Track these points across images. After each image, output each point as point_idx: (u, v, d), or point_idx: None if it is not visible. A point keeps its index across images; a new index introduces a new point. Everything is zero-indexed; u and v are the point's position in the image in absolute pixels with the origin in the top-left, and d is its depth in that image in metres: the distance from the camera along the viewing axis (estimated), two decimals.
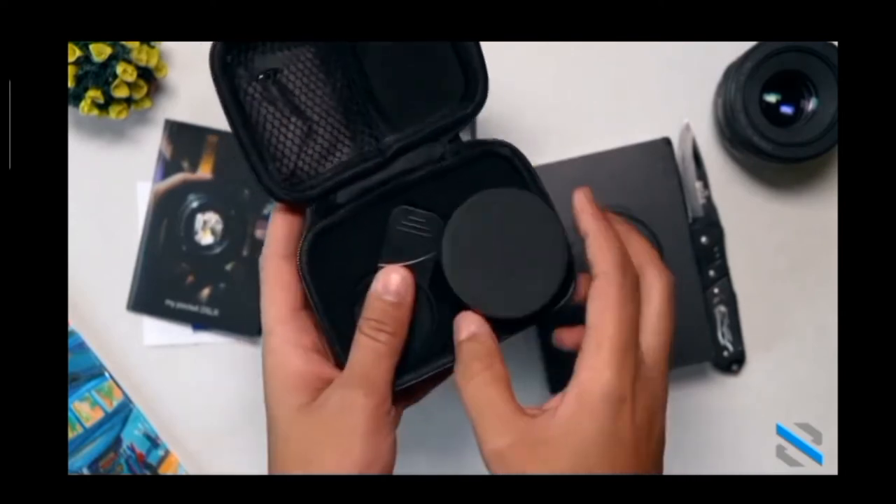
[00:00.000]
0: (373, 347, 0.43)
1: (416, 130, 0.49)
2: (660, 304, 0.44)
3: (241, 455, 0.64)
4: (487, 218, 0.46)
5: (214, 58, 0.48)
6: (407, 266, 0.46)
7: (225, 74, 0.48)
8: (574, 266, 0.46)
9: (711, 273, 0.64)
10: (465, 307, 0.45)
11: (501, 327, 0.45)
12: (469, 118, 0.50)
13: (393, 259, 0.48)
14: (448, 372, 0.46)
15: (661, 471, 0.44)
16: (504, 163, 0.49)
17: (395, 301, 0.44)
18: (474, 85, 0.50)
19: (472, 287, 0.45)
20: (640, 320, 0.43)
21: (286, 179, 0.49)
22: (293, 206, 0.47)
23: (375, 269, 0.47)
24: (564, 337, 0.48)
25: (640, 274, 0.44)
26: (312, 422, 0.43)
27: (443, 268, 0.46)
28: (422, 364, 0.47)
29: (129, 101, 0.61)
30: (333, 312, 0.47)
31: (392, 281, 0.44)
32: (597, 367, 0.41)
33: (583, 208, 0.45)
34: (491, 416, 0.41)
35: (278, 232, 0.46)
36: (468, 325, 0.44)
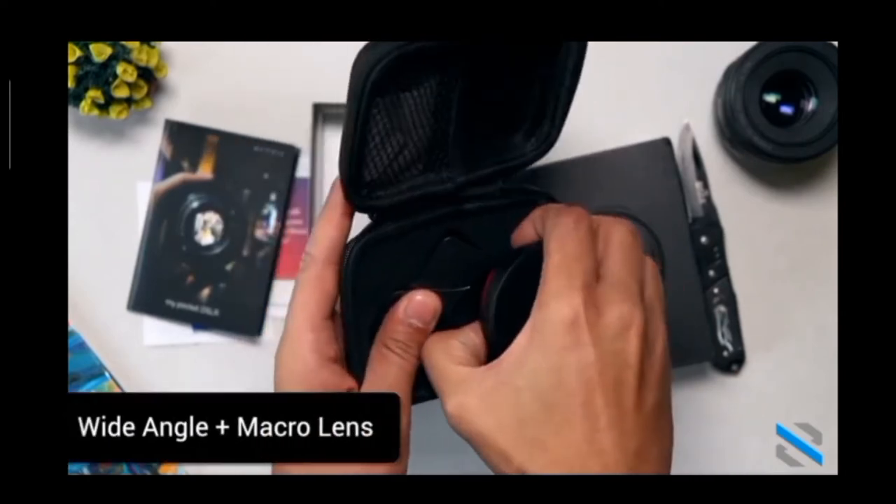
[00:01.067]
0: (399, 364, 0.43)
1: (485, 166, 0.50)
2: (620, 238, 0.42)
3: None
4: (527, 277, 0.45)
5: (374, 66, 0.45)
6: (437, 292, 0.46)
7: (376, 83, 0.45)
8: None
9: (711, 273, 0.64)
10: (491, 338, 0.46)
11: None
12: (531, 162, 0.50)
13: (429, 283, 0.48)
14: None
15: (664, 409, 0.41)
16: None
17: (420, 326, 0.44)
18: (547, 129, 0.50)
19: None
20: (595, 254, 0.41)
21: (366, 186, 0.48)
22: (351, 211, 0.46)
23: (407, 288, 0.47)
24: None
25: (597, 225, 0.43)
26: None
27: (489, 321, 0.46)
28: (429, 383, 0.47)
29: (129, 101, 0.61)
30: (361, 323, 0.47)
31: (422, 306, 0.45)
32: (542, 303, 0.39)
33: (522, 227, 0.46)
34: (443, 380, 0.42)
35: (331, 234, 0.45)
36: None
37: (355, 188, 0.47)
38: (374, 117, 0.47)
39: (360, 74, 0.45)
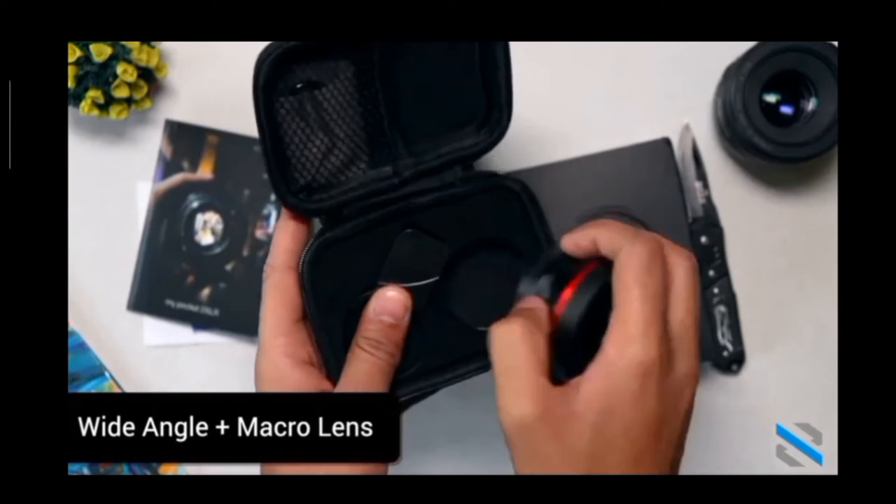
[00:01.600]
0: (370, 361, 0.44)
1: (434, 158, 0.50)
2: (686, 279, 0.42)
3: None
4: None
5: (259, 68, 0.47)
6: (406, 288, 0.47)
7: (267, 85, 0.47)
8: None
9: (711, 273, 0.64)
10: (462, 329, 0.48)
11: None
12: (486, 150, 0.50)
13: (393, 279, 0.48)
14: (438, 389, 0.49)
15: (681, 453, 0.43)
16: (512, 197, 0.50)
17: (392, 322, 0.45)
18: (497, 116, 0.50)
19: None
20: (667, 295, 0.41)
21: (302, 190, 0.49)
22: (302, 217, 0.47)
23: (375, 287, 0.48)
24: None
25: (665, 254, 0.43)
26: None
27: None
28: (414, 381, 0.48)
29: (129, 101, 0.61)
30: (329, 325, 0.47)
31: (390, 302, 0.46)
32: (621, 342, 0.39)
33: (572, 233, 0.44)
34: (520, 380, 0.40)
35: (284, 242, 0.47)
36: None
37: (287, 191, 0.48)
38: (285, 119, 0.48)
39: (252, 79, 0.47)
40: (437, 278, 0.49)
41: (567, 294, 0.42)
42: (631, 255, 0.40)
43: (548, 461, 0.39)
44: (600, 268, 0.42)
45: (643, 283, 0.40)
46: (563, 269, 0.43)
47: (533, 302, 0.43)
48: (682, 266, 0.42)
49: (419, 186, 0.50)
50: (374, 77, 0.49)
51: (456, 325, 0.50)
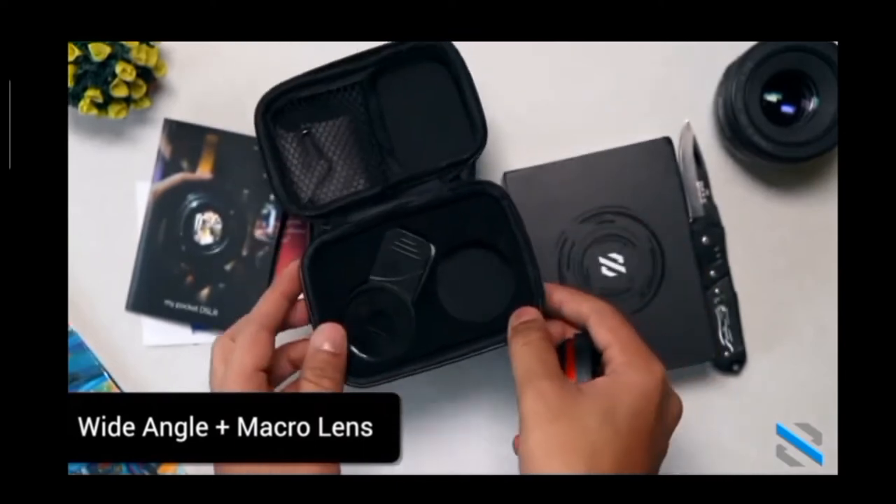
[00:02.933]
0: (317, 391, 0.49)
1: (419, 167, 0.57)
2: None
3: None
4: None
5: (258, 113, 0.56)
6: (392, 282, 0.55)
7: (266, 127, 0.56)
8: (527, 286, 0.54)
9: (712, 273, 0.64)
10: (449, 321, 0.55)
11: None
12: (465, 163, 0.57)
13: (383, 274, 0.55)
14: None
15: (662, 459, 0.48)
16: (493, 202, 0.56)
17: (333, 351, 0.51)
18: (476, 135, 0.57)
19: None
20: None
21: (304, 206, 0.57)
22: (287, 292, 0.54)
23: (368, 282, 0.55)
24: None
25: None
26: None
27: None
28: (402, 365, 0.54)
29: (128, 100, 0.61)
30: (327, 317, 0.53)
31: (329, 336, 0.52)
32: (627, 362, 0.48)
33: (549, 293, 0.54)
34: (527, 368, 0.48)
35: (268, 308, 0.54)
36: (527, 313, 0.52)
37: (293, 204, 0.56)
38: (287, 150, 0.57)
39: (254, 115, 0.56)
40: (423, 272, 0.55)
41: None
42: (604, 309, 0.51)
43: (558, 430, 0.44)
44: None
45: (624, 324, 0.50)
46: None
47: (528, 313, 0.52)
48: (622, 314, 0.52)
49: (409, 195, 0.57)
50: (365, 123, 0.58)
51: (443, 317, 0.55)
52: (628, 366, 0.47)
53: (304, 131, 0.58)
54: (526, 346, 0.49)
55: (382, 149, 0.58)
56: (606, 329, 0.50)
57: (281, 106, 0.57)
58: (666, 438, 0.48)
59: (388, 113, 0.58)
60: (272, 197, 0.64)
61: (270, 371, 0.52)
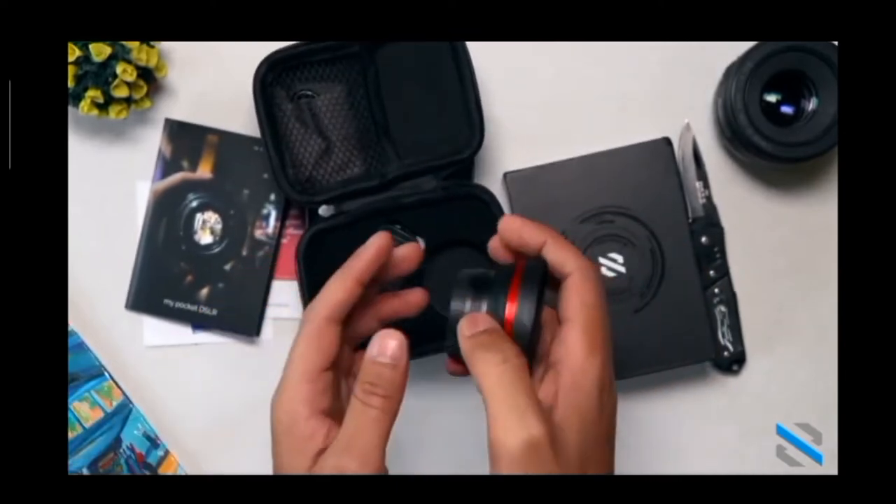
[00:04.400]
0: (365, 413, 0.44)
1: (417, 164, 0.59)
2: (604, 290, 0.46)
3: (241, 455, 0.64)
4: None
5: (258, 75, 0.58)
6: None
7: (264, 90, 0.58)
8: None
9: (711, 273, 0.64)
10: (434, 315, 0.52)
11: None
12: (463, 162, 0.59)
13: None
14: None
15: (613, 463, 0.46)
16: (483, 205, 0.59)
17: (390, 364, 0.44)
18: (474, 136, 0.58)
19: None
20: None
21: (301, 184, 0.59)
22: (365, 280, 0.48)
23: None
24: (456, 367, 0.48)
25: None
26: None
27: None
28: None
29: (128, 100, 0.61)
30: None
31: (388, 346, 0.44)
32: (583, 357, 0.43)
33: (521, 225, 0.47)
34: (518, 406, 0.41)
35: (336, 297, 0.47)
36: (475, 324, 0.44)
37: (290, 187, 0.58)
38: (282, 121, 0.59)
39: (253, 82, 0.57)
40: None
41: (513, 304, 0.44)
42: (589, 275, 0.45)
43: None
44: (529, 271, 0.45)
45: (597, 303, 0.44)
46: (492, 278, 0.45)
47: (484, 321, 0.44)
48: (600, 277, 0.47)
49: (403, 190, 0.59)
50: (363, 96, 0.59)
51: (429, 312, 0.54)
52: (581, 360, 0.43)
53: (301, 95, 0.59)
54: (503, 368, 0.42)
55: (378, 127, 0.59)
56: (579, 299, 0.44)
57: (279, 72, 0.58)
58: (614, 429, 0.44)
59: (386, 86, 0.59)
60: (272, 197, 0.64)
61: (338, 366, 0.48)
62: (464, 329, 0.44)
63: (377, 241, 0.48)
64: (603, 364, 0.43)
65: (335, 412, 0.46)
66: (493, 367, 0.42)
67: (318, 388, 0.45)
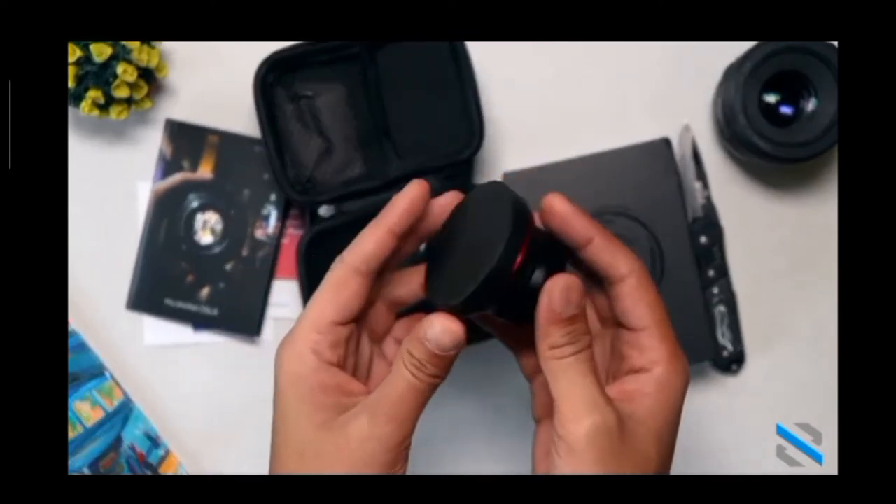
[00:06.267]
0: (409, 382, 0.41)
1: (418, 164, 0.59)
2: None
3: (242, 455, 0.64)
4: (462, 220, 0.45)
5: (258, 75, 0.58)
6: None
7: (265, 90, 0.58)
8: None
9: (711, 273, 0.64)
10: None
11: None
12: (463, 163, 0.59)
13: None
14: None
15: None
16: None
17: (437, 353, 0.41)
18: (474, 136, 0.58)
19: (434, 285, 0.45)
20: None
21: (301, 185, 0.59)
22: (400, 231, 0.44)
23: None
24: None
25: None
26: (332, 442, 0.41)
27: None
28: None
29: (129, 101, 0.61)
30: None
31: (442, 337, 0.41)
32: (668, 359, 0.42)
33: (569, 213, 0.43)
34: (594, 391, 0.40)
35: (368, 247, 0.43)
36: (571, 292, 0.41)
37: (290, 187, 0.58)
38: (287, 124, 0.59)
39: (253, 82, 0.58)
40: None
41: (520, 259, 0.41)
42: (644, 275, 0.43)
43: (622, 465, 0.40)
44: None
45: (661, 301, 0.43)
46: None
47: (577, 296, 0.41)
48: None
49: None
50: (363, 96, 0.60)
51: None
52: (669, 368, 0.42)
53: (302, 96, 0.59)
54: (578, 359, 0.40)
55: (379, 127, 0.60)
56: (646, 305, 0.42)
57: (280, 72, 0.59)
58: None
59: (386, 87, 0.60)
60: (273, 197, 0.64)
61: (361, 320, 0.44)
62: (556, 301, 0.40)
63: (412, 190, 0.44)
64: (684, 369, 0.43)
65: (348, 367, 0.44)
66: (568, 363, 0.40)
67: (329, 339, 0.42)
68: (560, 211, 0.44)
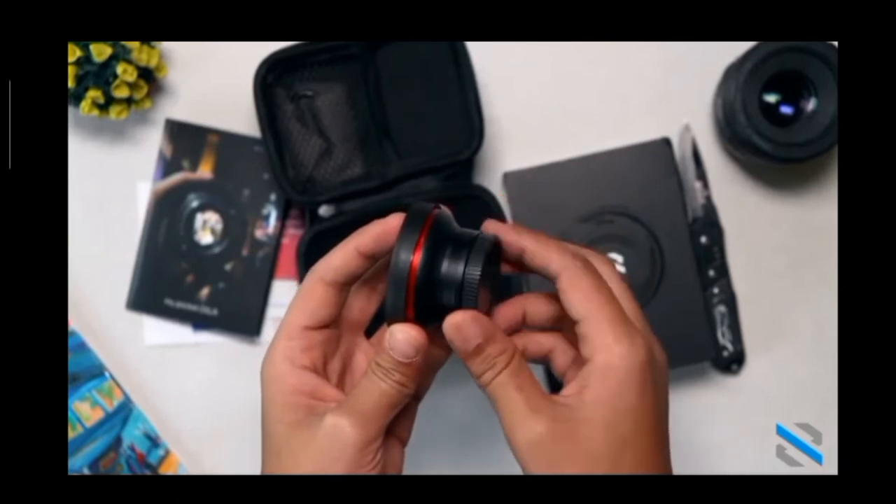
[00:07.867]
0: (378, 386, 0.43)
1: (418, 164, 0.59)
2: (615, 277, 0.45)
3: (241, 455, 0.64)
4: None
5: (258, 75, 0.58)
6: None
7: (265, 90, 0.58)
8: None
9: (711, 273, 0.64)
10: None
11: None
12: (463, 163, 0.59)
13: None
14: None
15: (668, 439, 0.44)
16: (483, 205, 0.59)
17: (402, 360, 0.43)
18: (474, 136, 0.58)
19: None
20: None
21: (301, 185, 0.60)
22: (366, 251, 0.46)
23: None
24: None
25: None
26: (302, 440, 0.43)
27: None
28: None
29: (129, 101, 0.61)
30: None
31: (400, 342, 0.43)
32: (608, 345, 0.41)
33: (502, 229, 0.45)
34: (522, 405, 0.41)
35: (332, 261, 0.46)
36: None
37: (290, 187, 0.59)
38: (286, 124, 0.60)
39: (253, 81, 0.58)
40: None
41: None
42: (576, 269, 0.43)
43: (567, 470, 0.40)
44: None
45: (600, 288, 0.42)
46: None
47: (480, 323, 0.42)
48: (605, 265, 0.45)
49: (403, 191, 0.59)
50: (363, 96, 0.60)
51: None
52: (611, 354, 0.41)
53: (302, 96, 0.60)
54: (499, 381, 0.42)
55: (378, 127, 0.60)
56: (581, 294, 0.42)
57: (279, 72, 0.59)
58: (666, 406, 0.44)
59: (386, 86, 0.60)
60: (272, 197, 0.64)
61: (334, 324, 0.46)
62: (455, 337, 0.42)
63: (391, 220, 0.45)
64: (630, 350, 0.41)
65: (322, 371, 0.46)
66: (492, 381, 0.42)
67: (300, 344, 0.45)
68: (494, 230, 0.45)
